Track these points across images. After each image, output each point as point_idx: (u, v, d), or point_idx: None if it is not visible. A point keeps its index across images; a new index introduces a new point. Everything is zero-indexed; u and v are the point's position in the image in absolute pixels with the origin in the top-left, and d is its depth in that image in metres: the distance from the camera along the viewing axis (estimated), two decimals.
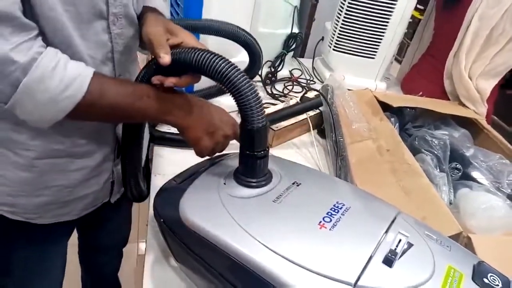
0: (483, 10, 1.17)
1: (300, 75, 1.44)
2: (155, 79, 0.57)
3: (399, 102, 1.14)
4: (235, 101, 0.54)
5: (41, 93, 0.49)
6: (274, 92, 1.30)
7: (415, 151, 0.99)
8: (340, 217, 0.52)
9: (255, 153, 0.55)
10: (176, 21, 0.71)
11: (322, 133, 1.12)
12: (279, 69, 1.37)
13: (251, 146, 0.55)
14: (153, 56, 0.58)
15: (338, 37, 1.36)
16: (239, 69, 0.53)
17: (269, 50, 1.35)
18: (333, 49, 1.39)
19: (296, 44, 1.40)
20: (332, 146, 1.01)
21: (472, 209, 0.84)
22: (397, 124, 1.10)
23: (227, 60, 0.53)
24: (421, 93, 1.28)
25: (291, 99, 1.17)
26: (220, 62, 0.52)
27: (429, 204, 0.80)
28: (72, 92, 0.51)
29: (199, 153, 0.63)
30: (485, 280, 0.47)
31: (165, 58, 0.55)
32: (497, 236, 0.78)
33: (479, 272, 0.48)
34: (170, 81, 0.57)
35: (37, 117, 0.52)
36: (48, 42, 0.52)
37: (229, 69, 0.52)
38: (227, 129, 0.62)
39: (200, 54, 0.53)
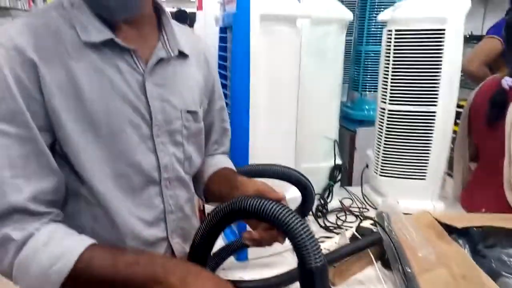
0: None
1: (351, 204, 1.43)
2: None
3: (464, 222, 1.07)
4: (291, 243, 0.54)
5: (34, 267, 0.52)
6: (328, 224, 1.28)
7: (494, 275, 0.89)
8: None
9: None
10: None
11: (386, 264, 1.04)
12: (329, 200, 1.37)
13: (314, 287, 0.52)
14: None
15: (382, 162, 1.37)
16: (290, 210, 0.54)
17: (315, 183, 1.36)
18: (380, 175, 1.39)
19: (341, 174, 1.42)
20: (401, 278, 0.93)
21: None
22: (467, 246, 1.01)
23: (282, 204, 0.55)
24: (483, 209, 1.20)
25: (346, 230, 1.14)
26: (273, 206, 0.54)
27: None
28: (60, 266, 0.52)
29: None
30: None
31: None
32: None
33: None
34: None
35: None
36: (93, 211, 0.57)
37: (281, 210, 0.53)
38: None
39: (255, 200, 0.55)
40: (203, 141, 0.77)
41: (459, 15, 1.22)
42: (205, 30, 1.25)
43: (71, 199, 0.61)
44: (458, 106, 1.33)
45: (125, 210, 0.62)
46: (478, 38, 3.25)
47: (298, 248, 0.53)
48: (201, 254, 0.63)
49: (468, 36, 3.37)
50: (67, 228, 0.57)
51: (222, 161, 0.84)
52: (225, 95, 1.09)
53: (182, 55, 0.70)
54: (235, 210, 0.58)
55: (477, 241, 1.05)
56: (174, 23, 0.71)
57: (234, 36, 0.94)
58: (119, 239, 0.62)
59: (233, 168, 0.82)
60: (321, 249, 0.54)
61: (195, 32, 1.29)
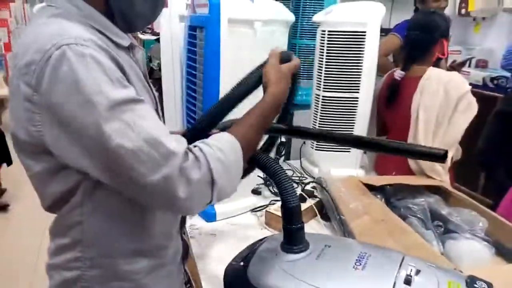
0: (424, 103, 1.53)
1: (293, 174, 1.71)
2: None
3: (380, 182, 1.41)
4: (278, 190, 0.78)
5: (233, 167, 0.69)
6: (276, 190, 1.54)
7: (403, 218, 1.22)
8: (366, 261, 0.73)
9: (297, 225, 0.77)
10: None
11: (326, 217, 1.34)
12: None
13: (292, 220, 0.77)
14: None
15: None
16: (280, 166, 0.78)
17: None
18: (315, 150, 1.69)
19: (285, 150, 1.69)
20: (337, 225, 1.23)
21: (459, 253, 1.05)
22: (383, 199, 1.35)
23: (274, 160, 0.79)
24: (394, 173, 1.56)
25: None
26: (268, 160, 0.78)
27: (426, 254, 1.01)
28: (239, 154, 0.70)
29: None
30: (476, 285, 0.68)
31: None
32: (481, 269, 0.99)
33: (471, 282, 0.69)
34: None
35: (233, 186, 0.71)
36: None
37: (273, 164, 0.77)
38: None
39: (261, 156, 0.79)
40: None
41: (376, 19, 1.54)
42: (170, 26, 1.42)
43: None
44: None
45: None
46: (386, 31, 3.74)
47: (283, 192, 0.77)
48: None
49: None
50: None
51: None
52: (194, 87, 1.28)
53: None
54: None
55: (390, 195, 1.39)
56: None
57: (206, 35, 1.14)
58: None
59: None
60: (296, 193, 0.79)
61: (161, 27, 1.45)
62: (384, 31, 3.98)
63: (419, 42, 1.58)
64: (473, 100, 1.51)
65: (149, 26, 3.72)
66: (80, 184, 0.70)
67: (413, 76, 1.57)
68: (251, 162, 0.79)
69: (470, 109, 1.50)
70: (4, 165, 3.16)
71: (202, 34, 1.17)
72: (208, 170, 0.64)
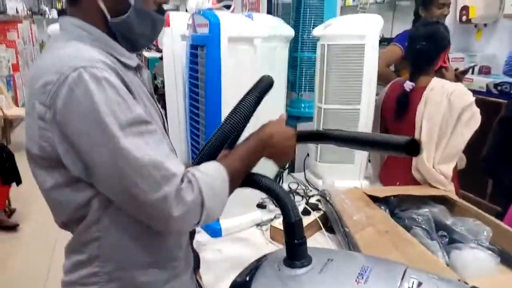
0: (428, 113, 1.54)
1: (297, 187, 1.72)
2: None
3: (384, 193, 1.41)
4: (278, 205, 0.79)
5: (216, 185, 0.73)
6: None
7: (407, 229, 1.22)
8: (368, 274, 0.73)
9: (299, 240, 0.78)
10: None
11: (331, 230, 1.34)
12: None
13: (294, 235, 0.78)
14: None
15: (321, 151, 1.68)
16: (280, 186, 0.79)
17: (270, 171, 1.64)
18: (319, 162, 1.70)
19: (289, 163, 1.70)
20: (342, 237, 1.23)
21: (464, 263, 1.05)
22: (387, 210, 1.35)
23: (271, 179, 0.80)
24: (398, 183, 1.56)
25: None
26: (267, 180, 0.79)
27: (430, 265, 1.01)
28: (225, 182, 0.75)
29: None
30: None
31: None
32: (487, 279, 0.99)
33: None
34: None
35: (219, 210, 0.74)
36: None
37: (271, 183, 0.79)
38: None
39: (258, 177, 0.81)
40: None
41: (375, 32, 1.56)
42: (172, 45, 1.45)
43: None
44: None
45: None
46: (388, 40, 3.76)
47: (285, 209, 0.78)
48: None
49: (379, 39, 3.87)
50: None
51: None
52: (197, 104, 1.31)
53: None
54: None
55: (394, 206, 1.40)
56: None
57: (207, 54, 1.17)
58: None
59: None
60: (297, 208, 0.80)
61: (163, 46, 1.49)
62: (386, 41, 4.04)
63: (425, 52, 1.58)
64: (477, 111, 1.51)
65: (154, 43, 3.79)
66: (94, 198, 0.73)
67: (419, 87, 1.58)
68: (247, 184, 0.81)
69: (473, 120, 1.50)
70: (14, 185, 3.20)
71: (203, 53, 1.19)
72: (199, 193, 0.70)
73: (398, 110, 1.63)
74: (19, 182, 3.16)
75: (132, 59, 0.79)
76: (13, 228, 3.23)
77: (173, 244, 0.84)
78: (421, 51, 1.59)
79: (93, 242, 0.75)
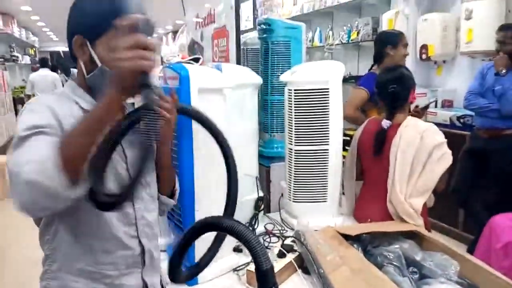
0: (402, 147, 1.62)
1: (273, 228, 1.74)
2: None
3: (356, 231, 1.45)
4: (251, 255, 0.81)
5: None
6: None
7: (379, 266, 1.26)
8: None
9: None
10: None
11: (307, 271, 1.36)
12: (256, 227, 1.66)
13: (265, 283, 0.80)
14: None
15: (294, 191, 1.72)
16: (249, 229, 0.82)
17: (244, 214, 1.66)
18: (293, 201, 1.74)
19: (264, 204, 1.73)
20: (317, 278, 1.25)
21: None
22: (360, 248, 1.39)
23: (243, 225, 0.82)
24: (369, 219, 1.61)
25: (270, 248, 1.44)
26: (238, 226, 0.81)
27: None
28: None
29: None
30: None
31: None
32: None
33: None
34: None
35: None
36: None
37: (243, 229, 0.81)
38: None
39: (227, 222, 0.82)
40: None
41: (337, 77, 1.65)
42: None
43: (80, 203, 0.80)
44: (345, 134, 1.75)
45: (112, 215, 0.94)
46: (355, 78, 3.94)
47: (255, 256, 0.80)
48: (179, 260, 0.85)
49: (347, 77, 4.05)
50: None
51: None
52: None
53: None
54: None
55: (366, 243, 1.43)
56: None
57: None
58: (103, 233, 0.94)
59: None
60: (268, 255, 0.82)
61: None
62: (353, 78, 4.21)
63: (397, 93, 1.72)
64: (448, 151, 1.61)
65: None
66: None
67: (395, 124, 1.70)
68: (220, 229, 0.83)
69: (444, 159, 1.60)
70: None
71: None
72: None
73: (376, 146, 1.73)
74: None
75: (93, 103, 0.94)
76: None
77: (99, 249, 0.95)
78: (394, 93, 1.72)
79: (47, 243, 0.96)
